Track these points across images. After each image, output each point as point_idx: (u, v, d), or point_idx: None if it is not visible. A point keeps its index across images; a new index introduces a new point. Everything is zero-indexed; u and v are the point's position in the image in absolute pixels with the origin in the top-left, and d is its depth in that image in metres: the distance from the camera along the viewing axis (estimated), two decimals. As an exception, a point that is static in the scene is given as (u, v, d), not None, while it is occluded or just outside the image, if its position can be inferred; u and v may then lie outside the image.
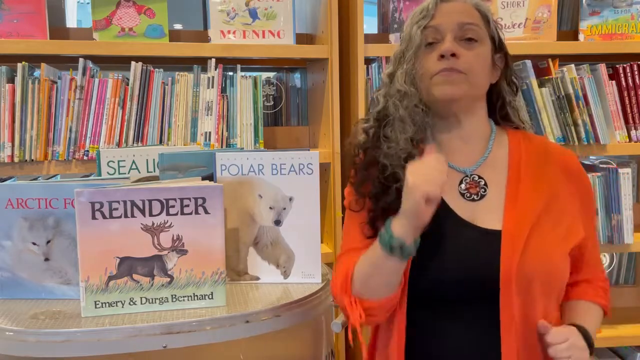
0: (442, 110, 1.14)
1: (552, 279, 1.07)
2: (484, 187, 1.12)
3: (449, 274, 1.06)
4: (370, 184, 1.12)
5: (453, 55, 1.08)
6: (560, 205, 1.10)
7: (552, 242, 1.07)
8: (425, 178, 0.97)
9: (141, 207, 1.03)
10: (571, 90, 1.91)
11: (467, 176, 1.13)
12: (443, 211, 1.08)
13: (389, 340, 1.11)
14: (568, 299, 1.15)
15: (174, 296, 1.06)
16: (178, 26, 2.22)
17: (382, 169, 1.11)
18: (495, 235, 1.06)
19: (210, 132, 1.80)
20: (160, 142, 1.79)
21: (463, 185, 1.13)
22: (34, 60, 1.73)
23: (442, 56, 1.09)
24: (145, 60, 1.77)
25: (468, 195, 1.12)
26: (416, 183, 0.96)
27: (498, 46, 1.16)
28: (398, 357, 1.09)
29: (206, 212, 1.05)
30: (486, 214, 1.10)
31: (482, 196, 1.12)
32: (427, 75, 1.11)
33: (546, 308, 1.07)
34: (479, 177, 1.13)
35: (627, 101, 1.94)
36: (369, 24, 1.92)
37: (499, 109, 1.20)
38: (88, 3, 1.79)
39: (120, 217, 1.02)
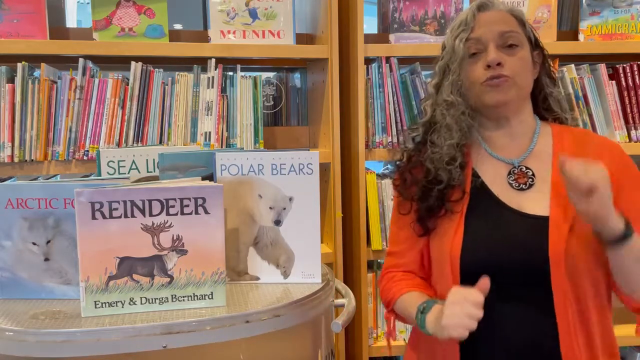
0: (492, 114, 1.20)
1: (597, 258, 1.12)
2: (532, 177, 1.19)
3: (500, 258, 1.12)
4: (415, 187, 1.22)
5: (498, 64, 1.15)
6: None
7: None
8: (457, 322, 1.04)
9: (141, 207, 1.03)
10: (571, 90, 1.91)
11: (514, 167, 1.20)
12: (491, 201, 1.17)
13: None
14: None
15: (174, 296, 1.06)
16: (178, 26, 2.22)
17: (427, 173, 1.20)
18: (543, 220, 1.13)
19: (210, 132, 1.80)
20: (160, 142, 1.79)
21: (512, 176, 1.20)
22: (34, 60, 1.73)
23: (489, 66, 1.15)
24: (145, 60, 1.77)
25: (517, 185, 1.19)
26: (448, 325, 1.05)
27: (535, 44, 1.24)
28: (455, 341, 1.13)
29: (206, 212, 1.05)
30: (533, 202, 1.16)
31: (530, 185, 1.18)
32: (476, 84, 1.18)
33: (595, 283, 1.12)
34: (527, 168, 1.20)
35: (627, 101, 1.94)
36: (369, 24, 1.92)
37: (541, 101, 1.27)
38: (88, 3, 1.79)
39: (120, 217, 1.02)
